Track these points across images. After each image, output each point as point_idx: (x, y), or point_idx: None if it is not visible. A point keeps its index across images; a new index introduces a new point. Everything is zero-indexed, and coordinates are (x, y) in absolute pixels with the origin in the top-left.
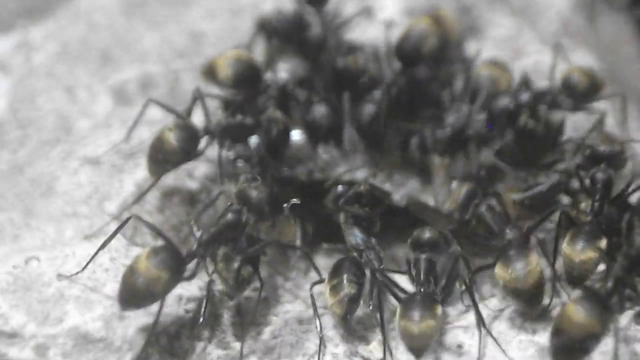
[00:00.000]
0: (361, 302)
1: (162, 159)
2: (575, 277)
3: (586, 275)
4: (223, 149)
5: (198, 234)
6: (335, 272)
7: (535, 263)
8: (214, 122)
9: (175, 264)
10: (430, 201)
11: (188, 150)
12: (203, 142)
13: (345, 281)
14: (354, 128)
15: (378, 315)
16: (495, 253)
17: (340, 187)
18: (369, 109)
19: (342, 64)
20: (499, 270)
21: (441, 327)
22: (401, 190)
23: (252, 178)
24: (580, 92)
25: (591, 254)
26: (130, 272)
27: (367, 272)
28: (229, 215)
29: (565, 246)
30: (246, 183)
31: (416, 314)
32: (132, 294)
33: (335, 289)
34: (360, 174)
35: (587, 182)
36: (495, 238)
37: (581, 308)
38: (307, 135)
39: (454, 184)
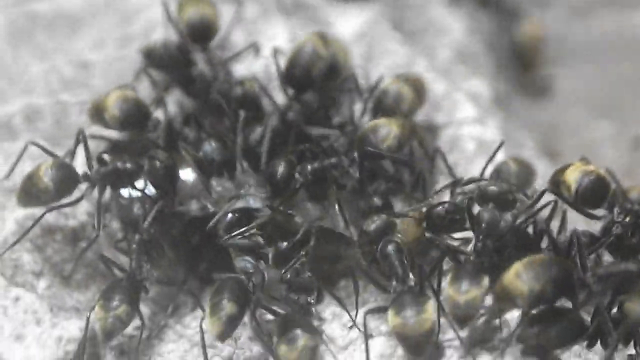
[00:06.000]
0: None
1: (33, 193)
2: (460, 317)
3: (471, 314)
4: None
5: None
6: (217, 291)
7: (430, 312)
8: (93, 168)
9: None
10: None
11: (61, 192)
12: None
13: (225, 300)
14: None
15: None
16: (391, 295)
17: (230, 216)
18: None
19: (240, 91)
20: (391, 314)
21: None
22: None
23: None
24: None
25: (475, 294)
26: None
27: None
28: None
29: (448, 287)
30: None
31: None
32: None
33: (214, 308)
34: (255, 200)
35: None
36: (395, 279)
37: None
38: (199, 171)
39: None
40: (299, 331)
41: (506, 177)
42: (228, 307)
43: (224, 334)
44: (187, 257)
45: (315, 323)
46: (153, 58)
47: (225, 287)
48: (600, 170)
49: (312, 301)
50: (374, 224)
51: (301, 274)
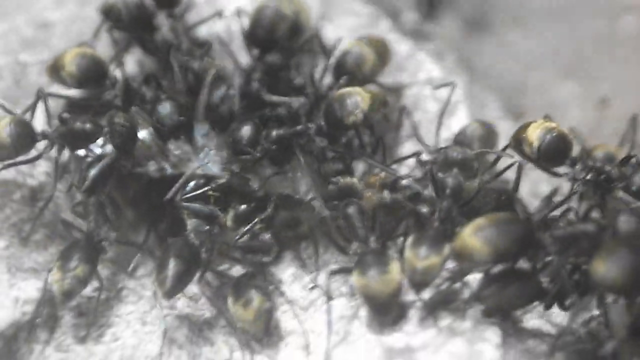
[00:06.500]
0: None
1: None
2: (417, 282)
3: (428, 281)
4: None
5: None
6: (165, 251)
7: (395, 272)
8: (52, 127)
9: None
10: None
11: (19, 148)
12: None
13: (171, 259)
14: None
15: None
16: (351, 256)
17: (191, 184)
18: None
19: (198, 67)
20: (356, 275)
21: None
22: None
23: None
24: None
25: (434, 261)
26: None
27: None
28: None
29: (407, 251)
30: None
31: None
32: None
33: (160, 267)
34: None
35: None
36: (357, 240)
37: None
38: (156, 133)
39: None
40: (253, 292)
41: (469, 140)
42: (173, 264)
43: (170, 291)
44: (146, 218)
45: (275, 284)
46: (112, 16)
47: (172, 247)
48: (563, 128)
49: (268, 260)
50: (335, 186)
51: (257, 237)
